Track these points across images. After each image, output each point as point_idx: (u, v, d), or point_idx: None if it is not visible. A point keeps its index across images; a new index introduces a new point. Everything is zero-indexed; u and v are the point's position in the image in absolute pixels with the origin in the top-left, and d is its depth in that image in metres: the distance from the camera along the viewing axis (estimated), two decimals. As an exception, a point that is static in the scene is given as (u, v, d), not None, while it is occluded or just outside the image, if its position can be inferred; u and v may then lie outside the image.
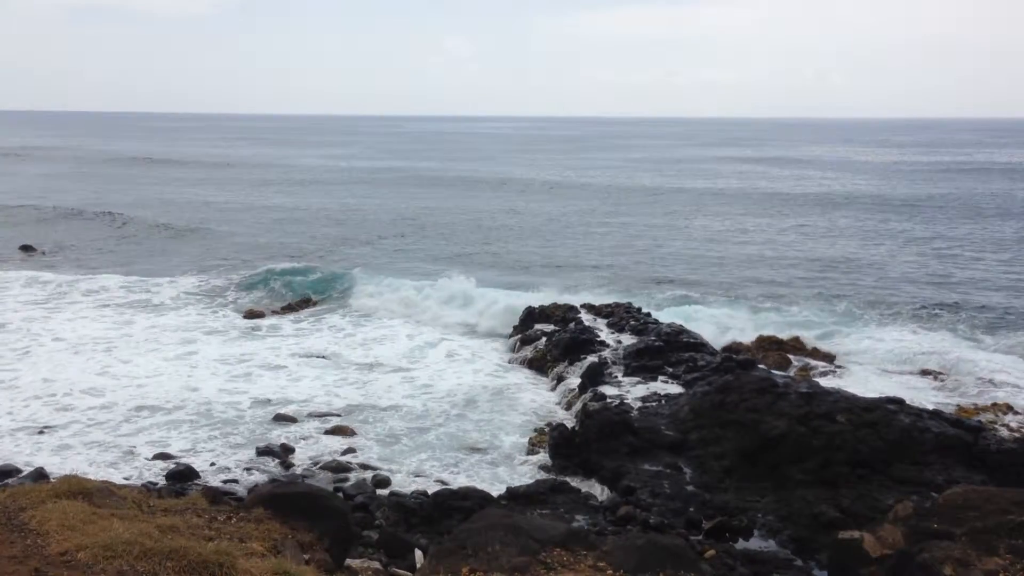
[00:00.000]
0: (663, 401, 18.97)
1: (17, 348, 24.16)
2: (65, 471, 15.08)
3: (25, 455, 16.68)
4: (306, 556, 7.69)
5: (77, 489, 7.84)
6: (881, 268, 36.59)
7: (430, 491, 14.90)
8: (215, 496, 8.44)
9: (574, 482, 15.69)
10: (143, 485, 14.01)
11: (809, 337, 25.21)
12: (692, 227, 48.59)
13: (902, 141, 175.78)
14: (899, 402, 16.90)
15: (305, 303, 31.00)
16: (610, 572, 7.28)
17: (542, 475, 16.30)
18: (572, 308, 26.91)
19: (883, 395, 17.77)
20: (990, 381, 21.26)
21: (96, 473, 15.92)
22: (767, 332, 25.36)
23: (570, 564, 7.34)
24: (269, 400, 20.37)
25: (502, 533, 7.44)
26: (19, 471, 15.41)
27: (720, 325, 26.50)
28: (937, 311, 28.46)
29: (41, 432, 18.04)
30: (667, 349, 22.03)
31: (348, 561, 9.49)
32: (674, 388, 19.83)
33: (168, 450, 17.28)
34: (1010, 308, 29.08)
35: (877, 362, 23.41)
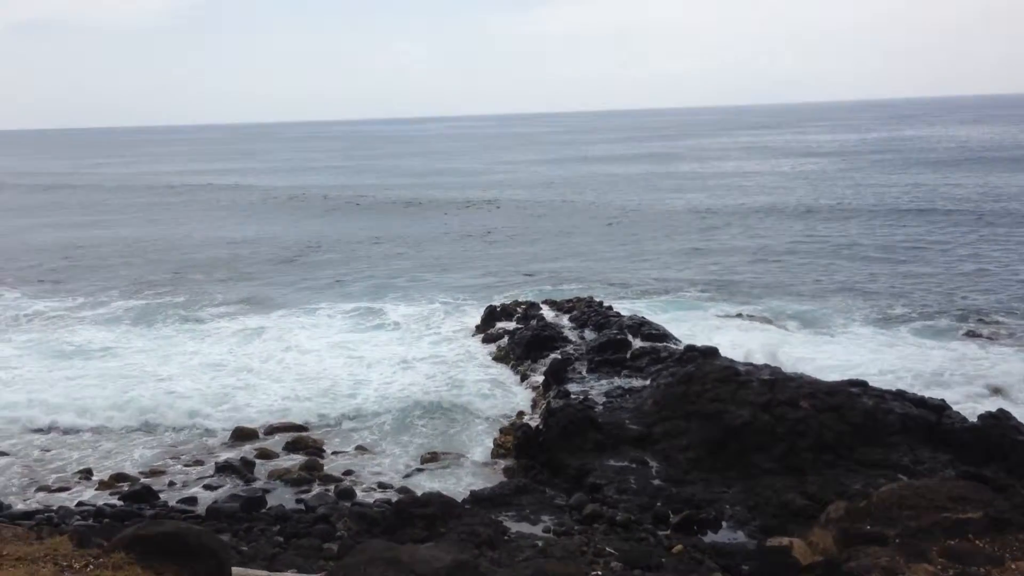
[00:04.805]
0: (627, 395, 18.76)
1: None
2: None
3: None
4: (173, 604, 7.10)
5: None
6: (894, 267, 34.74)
7: (394, 499, 14.60)
8: (83, 539, 7.74)
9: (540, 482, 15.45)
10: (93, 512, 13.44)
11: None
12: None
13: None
14: (862, 384, 16.83)
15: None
16: None
17: (507, 477, 16.06)
18: (533, 305, 26.66)
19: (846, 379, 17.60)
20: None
21: (48, 499, 15.49)
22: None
23: None
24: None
25: (382, 568, 7.00)
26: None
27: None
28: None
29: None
30: (629, 341, 21.85)
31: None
32: (638, 381, 19.62)
33: (125, 471, 16.86)
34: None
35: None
